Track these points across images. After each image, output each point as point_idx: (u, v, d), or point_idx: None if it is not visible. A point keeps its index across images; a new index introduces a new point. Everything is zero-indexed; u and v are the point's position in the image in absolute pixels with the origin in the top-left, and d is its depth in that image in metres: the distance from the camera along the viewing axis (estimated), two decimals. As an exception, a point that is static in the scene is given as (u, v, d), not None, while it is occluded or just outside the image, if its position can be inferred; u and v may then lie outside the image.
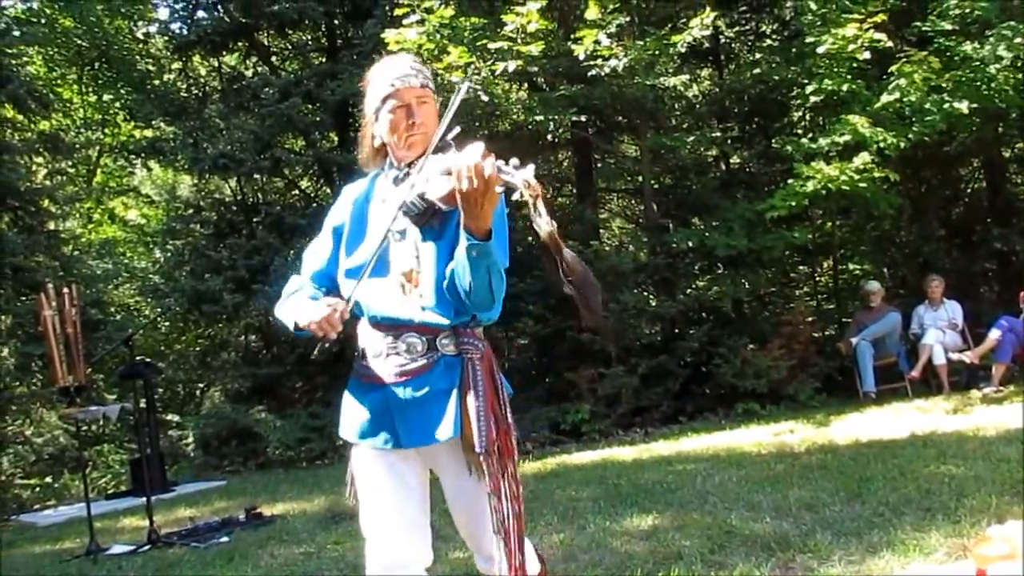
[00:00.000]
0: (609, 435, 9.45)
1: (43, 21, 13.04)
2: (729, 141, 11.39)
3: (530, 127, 10.12)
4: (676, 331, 10.91)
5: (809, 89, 9.15)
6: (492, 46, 8.96)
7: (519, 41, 8.90)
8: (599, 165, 12.79)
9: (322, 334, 2.07)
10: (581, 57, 9.11)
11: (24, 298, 10.03)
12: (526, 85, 11.23)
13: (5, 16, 11.68)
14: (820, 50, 8.87)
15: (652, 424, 9.67)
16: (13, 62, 10.97)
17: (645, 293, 10.98)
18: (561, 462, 7.95)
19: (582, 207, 11.86)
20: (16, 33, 11.12)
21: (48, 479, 10.57)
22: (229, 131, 12.01)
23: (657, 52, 9.36)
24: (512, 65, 8.89)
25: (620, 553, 4.27)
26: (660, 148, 10.67)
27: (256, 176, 12.41)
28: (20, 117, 11.46)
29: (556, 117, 9.70)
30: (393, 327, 2.17)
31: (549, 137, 11.16)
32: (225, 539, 5.93)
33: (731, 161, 12.13)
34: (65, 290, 5.51)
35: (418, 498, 2.29)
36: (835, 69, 8.95)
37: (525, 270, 11.50)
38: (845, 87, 8.90)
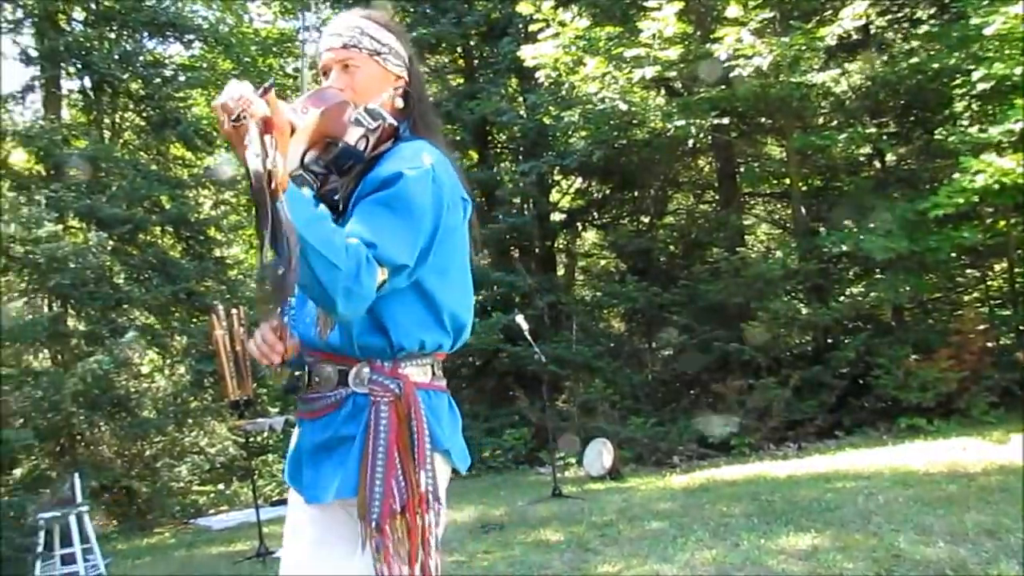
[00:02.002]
0: (760, 449, 9.10)
1: (204, 65, 14.08)
2: (884, 137, 10.78)
3: (669, 134, 9.98)
4: (829, 340, 10.40)
5: (976, 75, 8.47)
6: (628, 54, 8.91)
7: (656, 47, 8.80)
8: (742, 169, 12.43)
9: (265, 361, 1.69)
10: (722, 58, 8.90)
11: (196, 320, 10.84)
12: (663, 91, 11.09)
13: (172, 64, 12.71)
14: (988, 31, 8.19)
15: (806, 438, 9.24)
16: (180, 105, 11.90)
17: (795, 301, 10.54)
18: (710, 477, 7.73)
19: (726, 213, 11.56)
20: (182, 79, 12.08)
21: (220, 486, 11.33)
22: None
23: (803, 47, 8.99)
24: (650, 71, 8.80)
25: (777, 572, 4.10)
26: (808, 148, 10.24)
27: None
28: (188, 155, 12.42)
29: (696, 121, 9.51)
30: (310, 352, 1.75)
31: (690, 143, 10.95)
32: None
33: (887, 158, 11.47)
34: (233, 311, 5.91)
35: (327, 558, 1.77)
36: (1006, 51, 8.27)
37: (669, 280, 11.32)
38: (1019, 70, 8.19)
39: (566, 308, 12.01)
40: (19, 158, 11.17)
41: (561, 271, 14.07)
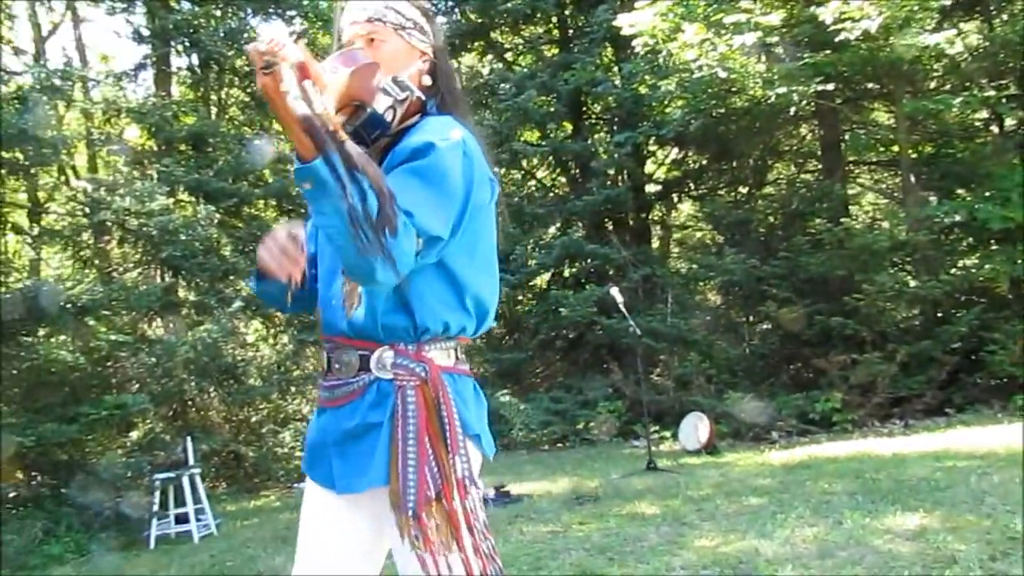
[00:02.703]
0: (863, 426, 8.81)
1: (306, 40, 14.41)
2: (1004, 100, 10.14)
3: (769, 101, 9.64)
4: (939, 315, 9.92)
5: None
6: (728, 20, 8.63)
7: (757, 12, 8.49)
8: (847, 137, 11.92)
9: (282, 274, 1.65)
10: (828, 21, 8.51)
11: (300, 290, 11.16)
12: (764, 57, 10.71)
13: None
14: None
15: (913, 415, 8.89)
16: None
17: (903, 273, 10.09)
18: (811, 453, 7.52)
19: (830, 183, 11.13)
20: (285, 53, 12.37)
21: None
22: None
23: (916, 7, 8.52)
24: (751, 38, 8.50)
25: (883, 552, 3.96)
26: (919, 114, 9.74)
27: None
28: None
29: (799, 88, 9.15)
30: (330, 336, 1.69)
31: (791, 111, 10.56)
32: (476, 514, 6.23)
33: (1005, 123, 10.80)
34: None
35: (355, 550, 1.72)
36: None
37: (768, 252, 11.03)
38: None
39: (661, 281, 11.85)
40: (132, 134, 11.72)
41: (656, 243, 13.87)
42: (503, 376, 12.03)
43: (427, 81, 1.72)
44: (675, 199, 13.99)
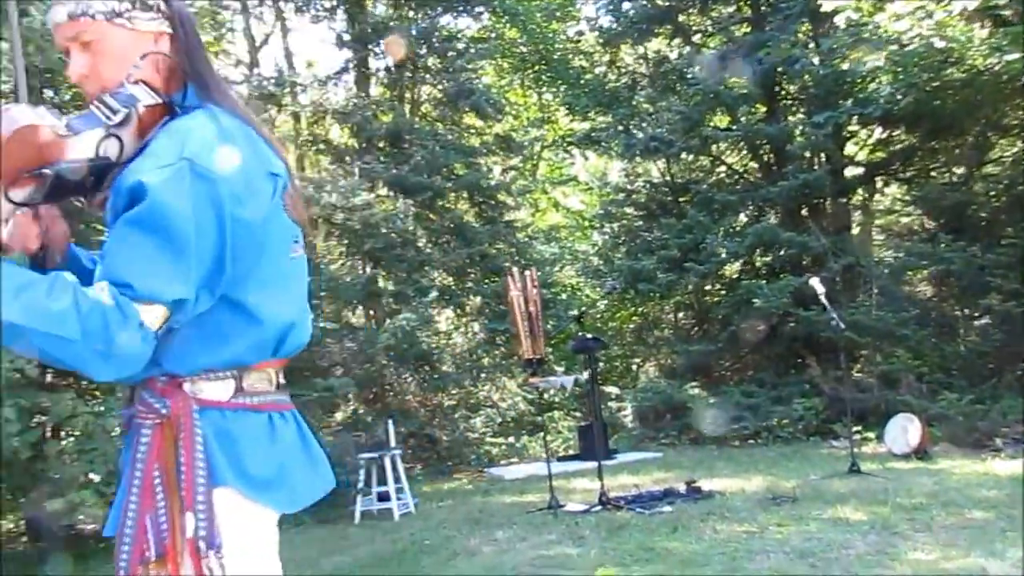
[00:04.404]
0: (1110, 435, 7.80)
1: (493, 36, 14.74)
2: None
3: (994, 70, 8.72)
4: None
5: None
6: (946, -15, 7.90)
7: (981, -27, 7.71)
8: (1088, 108, 10.58)
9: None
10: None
11: (488, 281, 11.49)
12: (989, 22, 9.69)
13: (464, 37, 13.43)
14: None
15: None
16: (472, 76, 12.54)
17: None
18: (1044, 463, 6.77)
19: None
20: (472, 51, 12.74)
21: (511, 439, 12.00)
22: (658, 114, 12.36)
23: None
24: (973, 2, 7.72)
25: None
26: None
27: (684, 156, 12.62)
28: (479, 123, 13.10)
29: (1031, 55, 8.21)
30: None
31: (1022, 80, 9.49)
32: (668, 508, 6.13)
33: None
34: (527, 273, 6.15)
35: None
36: None
37: (990, 238, 10.04)
38: None
39: (863, 270, 11.08)
40: (335, 134, 12.49)
41: (857, 230, 12.99)
42: (691, 369, 11.75)
43: (164, 66, 1.42)
44: (879, 182, 13.02)
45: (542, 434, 11.43)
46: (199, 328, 1.35)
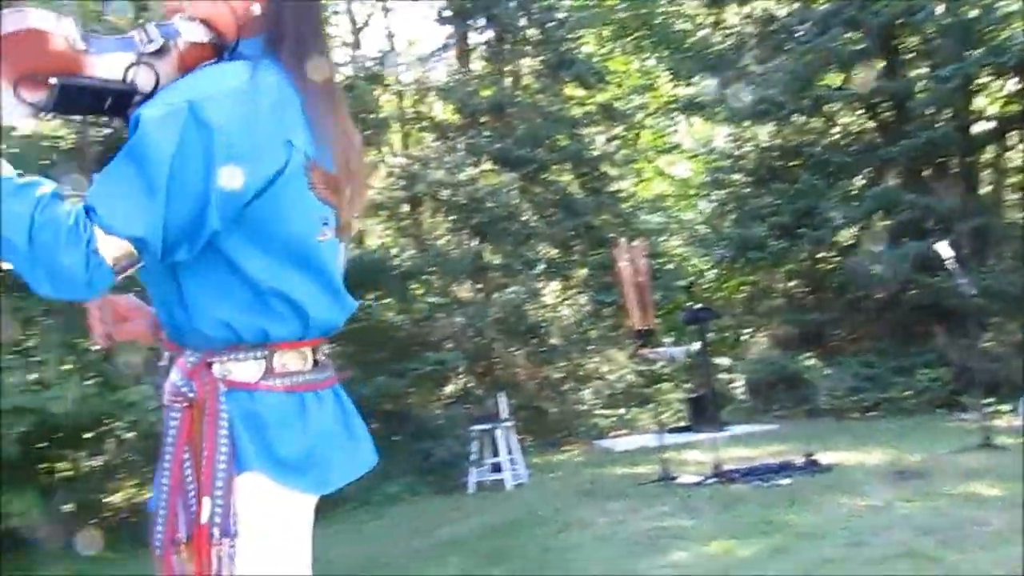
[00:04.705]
0: None
1: (592, 3, 14.52)
2: None
3: None
4: None
5: None
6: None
7: None
8: None
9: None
10: None
11: (595, 252, 11.42)
12: None
13: (563, 6, 13.27)
14: None
15: None
16: (572, 46, 12.40)
17: None
18: None
19: None
20: (572, 19, 12.58)
21: (620, 411, 11.96)
22: (767, 76, 11.92)
23: None
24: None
25: None
26: None
27: (795, 118, 12.14)
28: (581, 93, 12.96)
29: None
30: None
31: None
32: (785, 481, 5.99)
33: None
34: (635, 244, 6.07)
35: None
36: None
37: None
38: None
39: (994, 233, 10.43)
40: (437, 110, 12.61)
41: (987, 190, 12.23)
42: (805, 339, 11.39)
43: (255, 11, 1.35)
44: (1013, 138, 12.18)
45: (651, 406, 11.39)
46: (216, 290, 1.32)
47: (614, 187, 12.50)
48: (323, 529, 5.24)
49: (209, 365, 1.33)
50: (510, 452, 7.65)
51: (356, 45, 12.69)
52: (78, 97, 1.27)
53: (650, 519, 5.39)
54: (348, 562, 5.28)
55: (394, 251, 10.39)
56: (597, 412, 11.75)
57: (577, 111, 12.78)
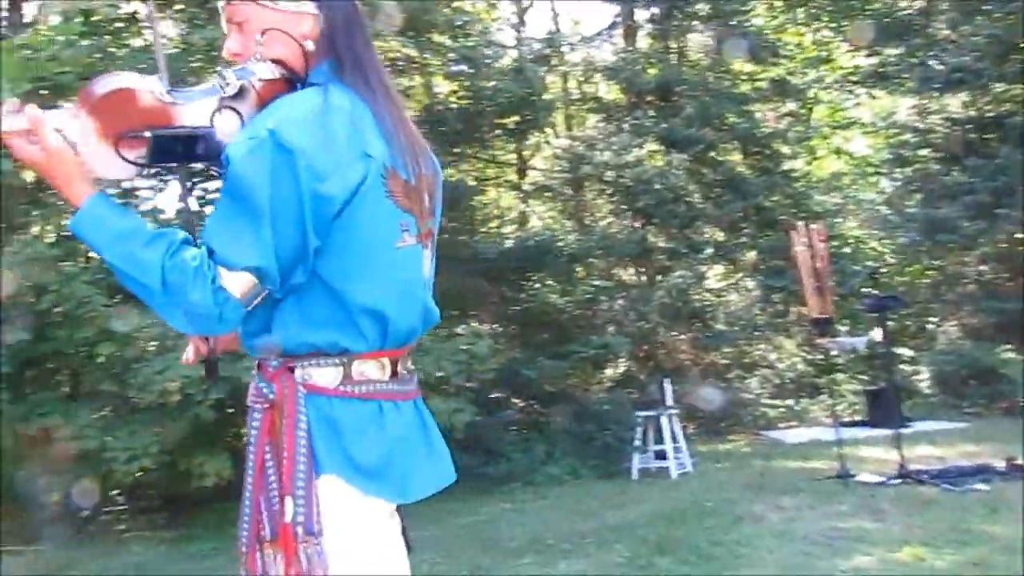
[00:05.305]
0: None
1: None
2: None
3: None
4: None
5: None
6: None
7: None
8: None
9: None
10: None
11: (763, 235, 10.93)
12: None
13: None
14: None
15: None
16: (743, 20, 11.86)
17: None
18: None
19: None
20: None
21: (789, 402, 11.44)
22: (961, 41, 10.94)
23: None
24: None
25: None
26: None
27: (994, 87, 11.08)
28: (752, 68, 12.39)
29: None
30: None
31: None
32: (983, 486, 5.50)
33: None
34: (813, 227, 5.74)
35: None
36: None
37: None
38: None
39: None
40: (603, 90, 12.45)
41: None
42: (1002, 329, 10.41)
43: (310, 47, 1.45)
44: None
45: (825, 397, 10.82)
46: (299, 304, 1.39)
47: (786, 166, 11.91)
48: (489, 507, 5.32)
49: (291, 369, 1.39)
50: (675, 440, 7.48)
51: (521, 25, 12.75)
52: (172, 146, 1.38)
53: (828, 517, 5.11)
54: (513, 540, 5.34)
55: (556, 233, 10.40)
56: (764, 402, 11.30)
57: (747, 87, 12.26)
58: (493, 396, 8.41)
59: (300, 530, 1.33)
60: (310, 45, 1.45)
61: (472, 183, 10.40)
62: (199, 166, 1.51)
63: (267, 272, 1.31)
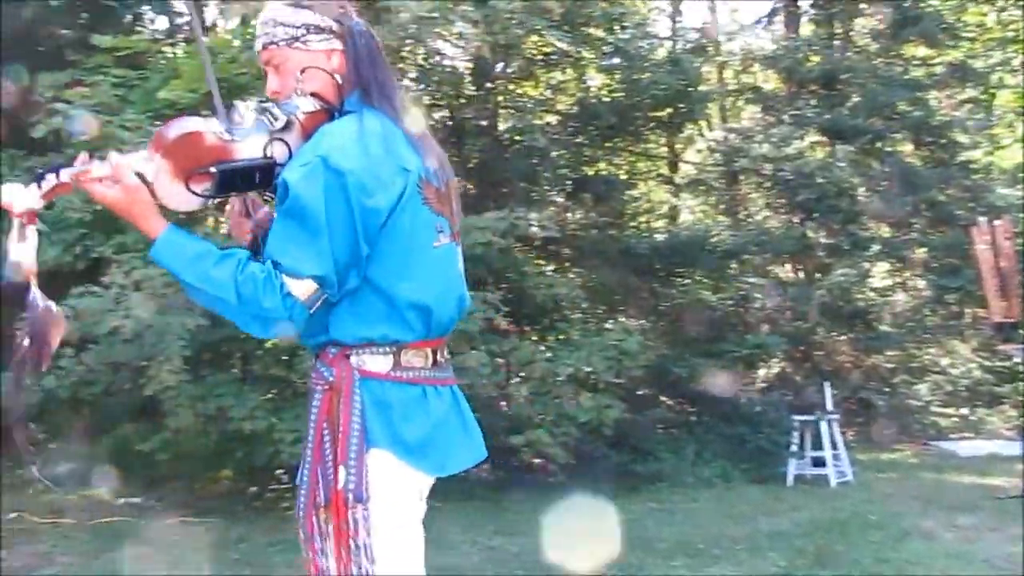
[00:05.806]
0: None
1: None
2: None
3: None
4: None
5: None
6: None
7: None
8: None
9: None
10: None
11: (935, 231, 10.17)
12: None
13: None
14: None
15: None
16: (922, 3, 11.03)
17: None
18: None
19: None
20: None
21: (964, 411, 10.61)
22: None
23: None
24: None
25: None
26: None
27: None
28: (927, 52, 11.53)
29: None
30: None
31: None
32: None
33: None
34: (997, 223, 5.28)
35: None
36: None
37: None
38: None
39: None
40: (762, 80, 11.96)
41: None
42: None
43: (338, 80, 1.66)
44: None
45: (1006, 408, 9.99)
46: (352, 305, 1.59)
47: (964, 157, 11.02)
48: (638, 505, 5.23)
49: (347, 356, 1.60)
50: (835, 447, 7.11)
51: (677, 15, 12.46)
52: (233, 178, 1.60)
53: (1014, 541, 4.69)
54: (662, 542, 5.22)
55: (709, 229, 10.09)
56: (934, 410, 10.55)
57: (920, 73, 11.43)
58: (641, 393, 8.27)
59: (351, 496, 1.52)
60: (339, 78, 1.66)
61: (624, 177, 10.26)
62: (253, 194, 1.78)
63: (327, 279, 1.52)
